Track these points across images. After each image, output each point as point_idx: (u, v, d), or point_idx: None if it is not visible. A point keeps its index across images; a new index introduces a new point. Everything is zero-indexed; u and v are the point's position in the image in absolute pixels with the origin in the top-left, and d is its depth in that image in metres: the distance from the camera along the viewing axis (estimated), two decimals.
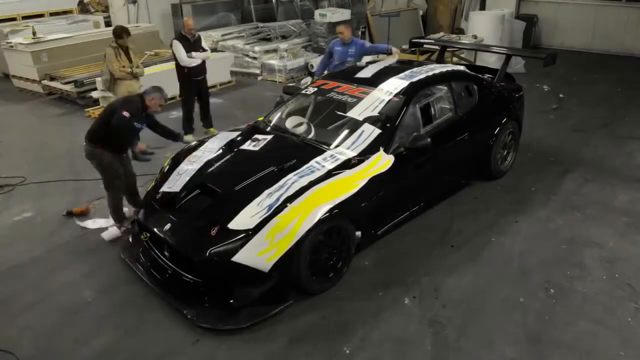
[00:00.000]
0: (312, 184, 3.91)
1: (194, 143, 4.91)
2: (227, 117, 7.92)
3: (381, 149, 4.31)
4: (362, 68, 5.42)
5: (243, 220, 3.68)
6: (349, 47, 6.46)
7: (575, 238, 4.64)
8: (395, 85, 4.79)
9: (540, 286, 4.00)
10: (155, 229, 3.97)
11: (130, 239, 4.57)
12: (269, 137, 4.68)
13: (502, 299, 3.88)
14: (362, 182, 4.03)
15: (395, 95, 4.67)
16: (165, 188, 4.29)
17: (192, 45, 6.73)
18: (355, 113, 4.58)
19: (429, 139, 4.38)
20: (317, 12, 11.01)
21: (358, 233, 4.08)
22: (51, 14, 11.98)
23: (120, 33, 6.26)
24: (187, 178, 4.27)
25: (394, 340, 3.50)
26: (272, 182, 3.97)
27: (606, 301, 3.84)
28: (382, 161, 4.24)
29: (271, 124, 5.00)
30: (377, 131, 4.40)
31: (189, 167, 4.41)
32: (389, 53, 6.53)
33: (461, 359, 3.36)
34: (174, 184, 4.28)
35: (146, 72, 8.55)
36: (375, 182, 4.14)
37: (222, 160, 4.46)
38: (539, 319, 3.66)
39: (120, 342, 3.54)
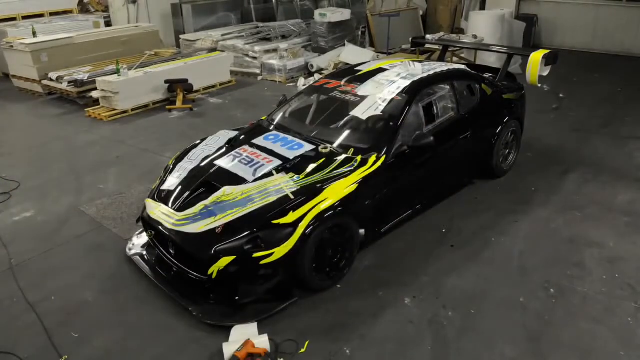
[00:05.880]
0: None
1: (198, 141, 4.95)
2: (227, 117, 7.93)
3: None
4: (364, 67, 5.44)
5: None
6: None
7: (575, 238, 4.65)
8: (397, 84, 4.81)
9: (540, 286, 4.00)
10: (160, 227, 3.98)
11: (136, 238, 4.59)
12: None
13: (502, 299, 3.88)
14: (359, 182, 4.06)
15: (398, 94, 4.69)
16: (165, 187, 4.32)
17: None
18: (358, 112, 4.60)
19: (431, 138, 4.40)
20: (317, 12, 11.00)
21: (362, 231, 4.10)
22: (51, 14, 11.98)
23: None
24: (185, 174, 4.35)
25: (394, 340, 3.50)
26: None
27: (606, 301, 3.85)
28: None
29: (274, 123, 5.02)
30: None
31: (187, 165, 4.46)
32: None
33: (461, 359, 3.37)
34: (172, 181, 4.34)
35: (148, 70, 8.62)
36: (379, 180, 4.16)
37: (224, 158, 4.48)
38: (539, 319, 3.67)
39: (121, 342, 3.54)
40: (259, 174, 4.10)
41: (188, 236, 3.80)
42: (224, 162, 4.38)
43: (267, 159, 4.29)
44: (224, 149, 4.61)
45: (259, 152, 4.42)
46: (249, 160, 4.32)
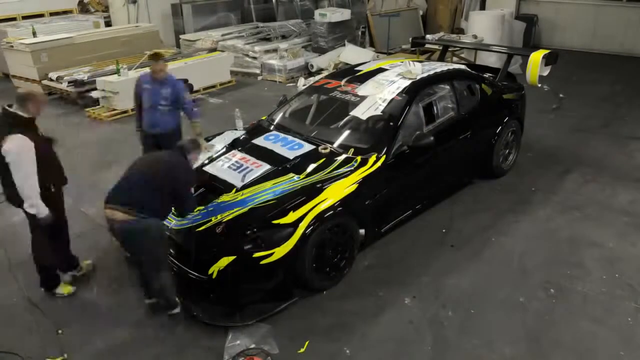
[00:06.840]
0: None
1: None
2: (227, 117, 7.92)
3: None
4: (364, 67, 5.44)
5: None
6: (162, 86, 4.78)
7: (575, 238, 4.65)
8: (397, 84, 4.81)
9: (540, 286, 4.01)
10: None
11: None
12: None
13: (502, 299, 3.88)
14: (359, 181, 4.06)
15: (398, 94, 4.69)
16: None
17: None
18: (358, 112, 4.60)
19: (431, 138, 4.41)
20: (317, 12, 11.01)
21: (362, 231, 4.10)
22: (51, 14, 11.99)
23: None
24: None
25: (394, 340, 3.51)
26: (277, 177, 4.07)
27: (606, 301, 3.85)
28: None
29: (274, 123, 5.02)
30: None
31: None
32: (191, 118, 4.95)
33: (461, 359, 3.37)
34: None
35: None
36: (379, 180, 4.16)
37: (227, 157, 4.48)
38: (539, 319, 3.67)
39: (121, 342, 3.54)
40: (247, 180, 4.09)
41: (188, 236, 3.80)
42: (215, 167, 4.36)
43: (256, 163, 4.27)
44: (223, 151, 4.61)
45: (248, 156, 4.40)
46: (238, 165, 4.30)
